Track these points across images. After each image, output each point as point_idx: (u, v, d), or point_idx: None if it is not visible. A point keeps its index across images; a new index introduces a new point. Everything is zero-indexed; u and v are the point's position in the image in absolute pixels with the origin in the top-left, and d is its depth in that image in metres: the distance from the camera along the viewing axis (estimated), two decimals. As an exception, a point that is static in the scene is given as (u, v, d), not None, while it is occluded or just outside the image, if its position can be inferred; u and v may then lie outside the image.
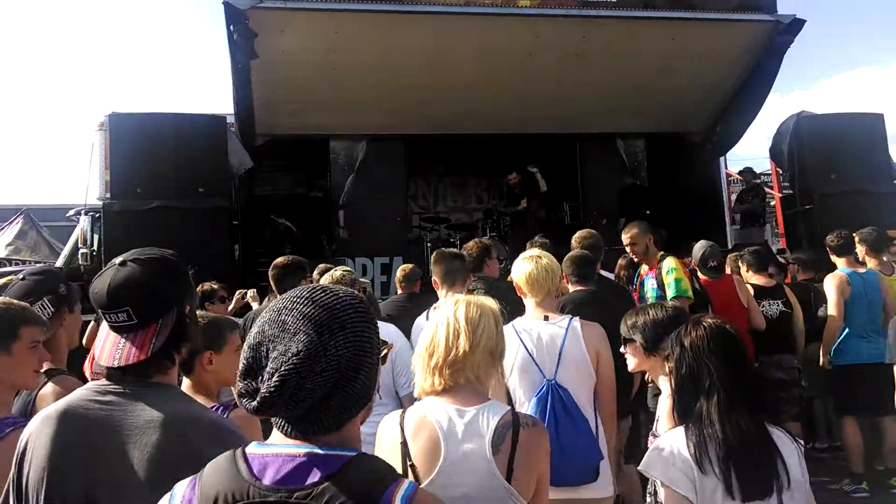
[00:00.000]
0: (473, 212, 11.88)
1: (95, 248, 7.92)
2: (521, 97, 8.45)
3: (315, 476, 1.08)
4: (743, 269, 5.86)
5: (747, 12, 7.69)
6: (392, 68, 7.83)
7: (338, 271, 3.94)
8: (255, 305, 5.38)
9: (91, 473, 1.44)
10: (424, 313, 3.82)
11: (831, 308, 5.32)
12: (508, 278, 4.68)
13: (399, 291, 5.19)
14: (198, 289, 4.27)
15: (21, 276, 2.55)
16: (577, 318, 3.10)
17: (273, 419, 1.16)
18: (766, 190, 11.40)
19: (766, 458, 1.87)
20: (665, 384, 2.34)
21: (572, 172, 9.83)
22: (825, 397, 5.99)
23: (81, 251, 7.99)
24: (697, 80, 8.58)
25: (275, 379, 1.07)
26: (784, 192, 10.59)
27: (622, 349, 2.58)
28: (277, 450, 1.14)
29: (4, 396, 2.01)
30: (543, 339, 3.03)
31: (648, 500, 2.14)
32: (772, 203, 11.87)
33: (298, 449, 1.12)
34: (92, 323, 6.09)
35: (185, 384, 2.31)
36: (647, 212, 9.30)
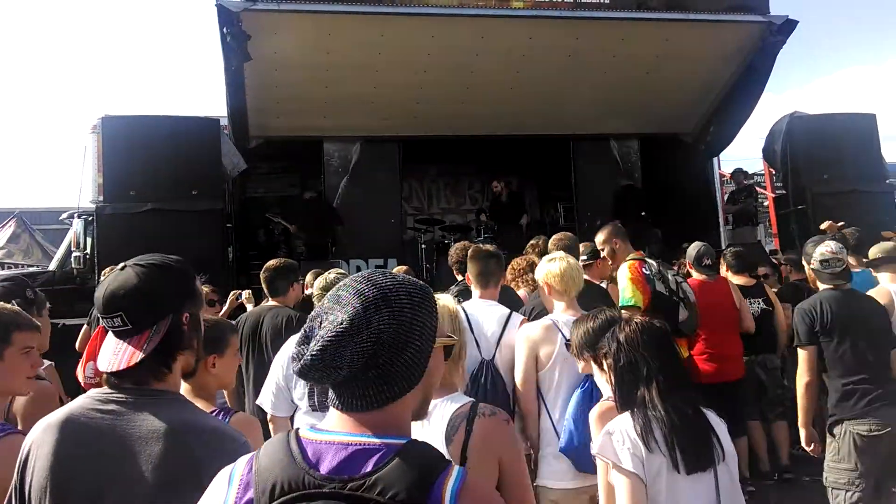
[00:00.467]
0: (467, 213, 11.89)
1: (88, 251, 7.87)
2: (514, 98, 8.47)
3: (368, 466, 1.10)
4: (723, 269, 5.86)
5: (739, 13, 7.72)
6: (385, 70, 7.82)
7: (331, 274, 3.85)
8: (249, 307, 5.34)
9: (95, 483, 1.44)
10: None
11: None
12: (511, 283, 4.69)
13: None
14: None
15: (-12, 284, 2.56)
16: None
17: (329, 399, 1.20)
18: (759, 190, 11.42)
19: (703, 435, 2.10)
20: (605, 385, 2.46)
21: (566, 173, 9.84)
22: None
23: (74, 254, 7.93)
24: (690, 81, 8.62)
25: (318, 345, 1.12)
26: (777, 192, 10.63)
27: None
28: (331, 437, 1.15)
29: (-3, 402, 2.01)
30: None
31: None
32: (765, 203, 11.91)
33: (351, 437, 1.14)
34: (84, 327, 6.11)
35: (185, 388, 2.27)
36: (642, 213, 9.34)
